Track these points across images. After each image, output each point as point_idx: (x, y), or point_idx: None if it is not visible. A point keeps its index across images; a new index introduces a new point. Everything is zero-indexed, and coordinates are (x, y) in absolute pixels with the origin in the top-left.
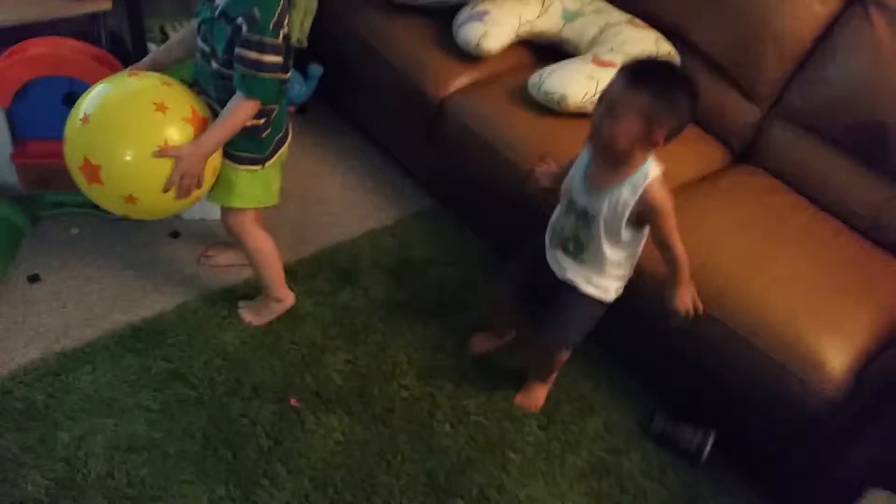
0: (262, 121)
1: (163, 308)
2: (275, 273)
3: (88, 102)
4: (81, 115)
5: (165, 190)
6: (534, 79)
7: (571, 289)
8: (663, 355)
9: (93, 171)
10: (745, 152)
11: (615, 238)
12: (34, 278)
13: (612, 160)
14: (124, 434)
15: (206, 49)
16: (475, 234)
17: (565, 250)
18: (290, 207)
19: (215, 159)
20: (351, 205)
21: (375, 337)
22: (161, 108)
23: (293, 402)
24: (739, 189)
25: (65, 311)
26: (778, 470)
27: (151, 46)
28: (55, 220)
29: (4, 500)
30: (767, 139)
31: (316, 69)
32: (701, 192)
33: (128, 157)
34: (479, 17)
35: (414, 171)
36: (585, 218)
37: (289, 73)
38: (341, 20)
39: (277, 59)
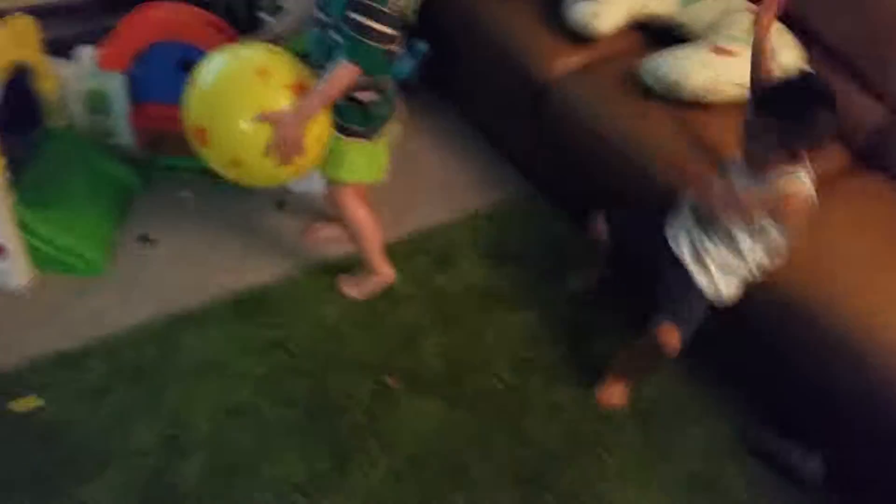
0: (375, 95)
1: (267, 277)
2: (374, 247)
3: (201, 69)
4: (194, 81)
5: (267, 154)
6: (647, 63)
7: (684, 272)
8: (769, 366)
9: (202, 134)
10: (867, 154)
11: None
12: (145, 238)
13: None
14: (228, 398)
15: (324, 19)
16: (574, 222)
17: (698, 221)
18: (389, 186)
19: (320, 129)
20: (449, 186)
21: (471, 323)
22: (263, 74)
23: (392, 381)
24: (858, 193)
25: (176, 274)
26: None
27: (262, 15)
28: (167, 183)
29: (115, 450)
30: (892, 141)
31: (421, 46)
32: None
33: (230, 121)
34: None
35: (514, 154)
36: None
37: (398, 46)
38: None
39: (386, 29)
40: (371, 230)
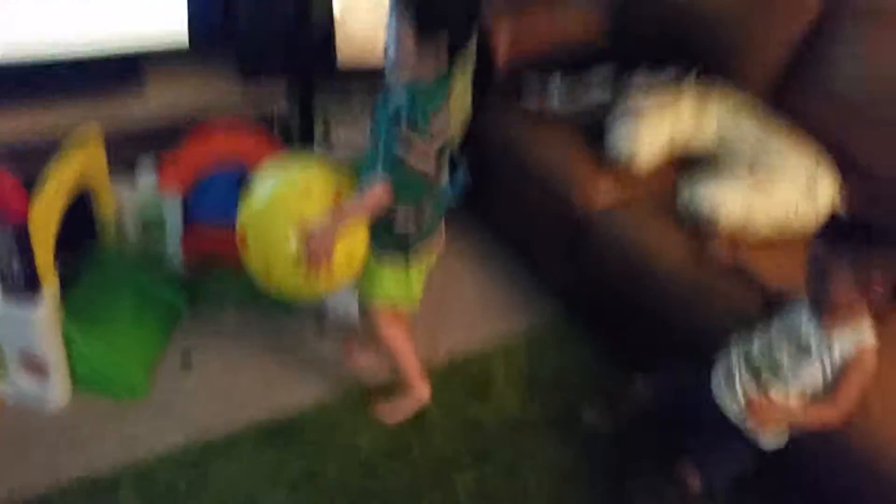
0: (411, 219)
1: (303, 402)
2: (411, 366)
3: (255, 181)
4: (247, 192)
5: (296, 264)
6: (685, 193)
7: (733, 427)
8: None
9: (243, 238)
10: None
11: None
12: (187, 362)
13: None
14: None
15: (374, 139)
16: (612, 351)
17: (754, 374)
18: (425, 308)
19: (352, 245)
20: (486, 310)
21: (505, 456)
22: (306, 189)
23: None
24: None
25: (211, 398)
26: None
27: (316, 148)
28: (211, 305)
29: None
30: None
31: (463, 176)
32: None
33: (266, 226)
34: (631, 129)
35: (550, 281)
36: (800, 350)
37: (438, 178)
38: (491, 128)
39: (424, 149)
40: (407, 351)
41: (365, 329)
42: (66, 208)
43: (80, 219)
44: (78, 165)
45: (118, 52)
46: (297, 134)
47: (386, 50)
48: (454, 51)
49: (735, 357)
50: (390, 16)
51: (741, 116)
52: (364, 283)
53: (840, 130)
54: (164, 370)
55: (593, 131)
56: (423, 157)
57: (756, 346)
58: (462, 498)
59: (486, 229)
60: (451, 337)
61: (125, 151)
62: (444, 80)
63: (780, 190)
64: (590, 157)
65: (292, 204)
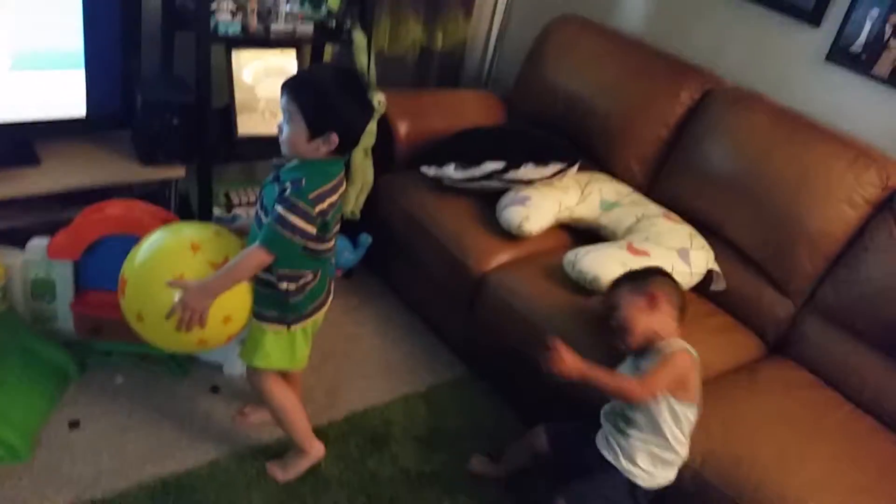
0: (293, 286)
1: (194, 463)
2: (299, 426)
3: (148, 235)
4: (137, 244)
5: (167, 317)
6: (569, 257)
7: (608, 465)
8: None
9: (123, 284)
10: (781, 344)
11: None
12: (74, 423)
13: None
14: None
15: (260, 212)
16: (509, 406)
17: (615, 428)
18: (326, 368)
19: (230, 309)
20: (386, 369)
21: None
22: (195, 247)
23: None
24: (775, 382)
25: (99, 460)
26: None
27: (216, 210)
28: (102, 368)
29: None
30: (802, 333)
31: (365, 238)
32: (737, 384)
33: (145, 278)
34: (522, 201)
35: (450, 339)
36: (625, 417)
37: (323, 246)
38: (394, 196)
39: (305, 225)
40: (293, 411)
41: (252, 389)
42: None
43: None
44: None
45: (15, 124)
46: (197, 209)
47: (280, 129)
48: (346, 144)
49: (603, 412)
50: (283, 99)
51: (621, 196)
52: (246, 347)
53: (711, 210)
54: (52, 432)
55: (489, 200)
56: (302, 229)
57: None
58: None
59: (389, 291)
60: (352, 395)
61: (18, 220)
62: (336, 163)
63: (656, 255)
64: (484, 225)
65: (175, 257)
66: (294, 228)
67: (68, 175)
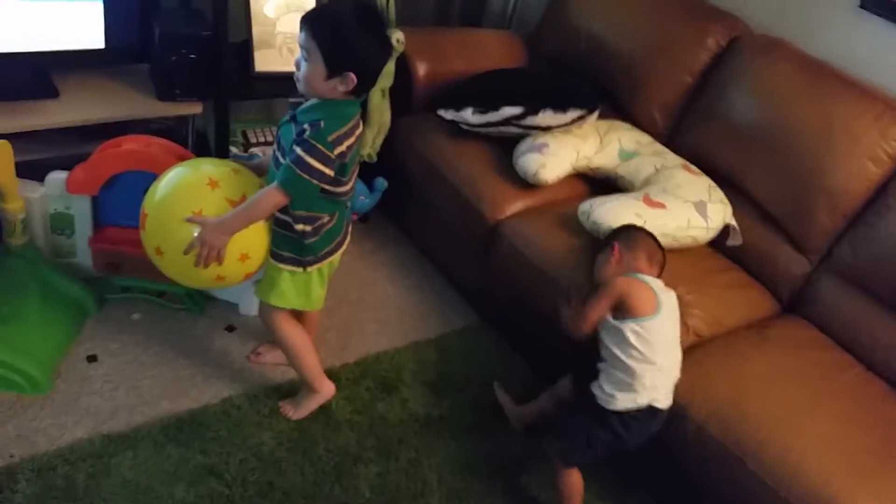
0: (309, 227)
1: (208, 400)
2: (309, 365)
3: (168, 171)
4: (158, 179)
5: (185, 252)
6: (584, 207)
7: (588, 394)
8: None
9: (143, 218)
10: (794, 303)
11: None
12: (92, 358)
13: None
14: None
15: (277, 152)
16: (519, 354)
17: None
18: (341, 311)
19: (246, 246)
20: (399, 314)
21: (409, 452)
22: (213, 184)
23: None
24: (786, 340)
25: (116, 394)
26: None
27: (233, 149)
28: (120, 304)
29: None
30: (816, 292)
31: (381, 182)
32: (748, 340)
33: (165, 213)
34: (539, 148)
35: (463, 286)
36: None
37: (340, 189)
38: (410, 140)
39: (323, 167)
40: (304, 349)
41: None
42: None
43: None
44: None
45: (35, 54)
46: (214, 147)
47: (297, 65)
48: (363, 84)
49: None
50: (301, 35)
51: (640, 146)
52: (262, 284)
53: (732, 162)
54: (70, 366)
55: (507, 146)
56: (321, 171)
57: None
58: (364, 491)
59: (404, 237)
60: (364, 340)
61: (37, 153)
62: (353, 104)
63: (672, 208)
64: (501, 172)
65: (194, 193)
66: (312, 170)
67: (87, 108)
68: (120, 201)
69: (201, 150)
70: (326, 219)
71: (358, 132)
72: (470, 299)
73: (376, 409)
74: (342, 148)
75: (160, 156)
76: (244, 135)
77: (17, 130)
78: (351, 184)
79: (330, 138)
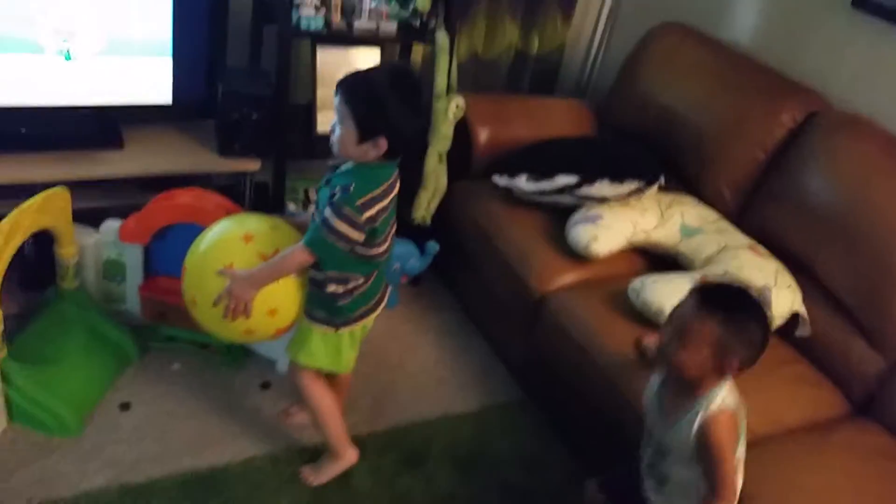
0: (341, 289)
1: (231, 458)
2: (334, 428)
3: (213, 225)
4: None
5: (215, 304)
6: (634, 284)
7: None
8: None
9: (184, 271)
10: (867, 405)
11: (691, 461)
12: (125, 406)
13: (683, 384)
14: None
15: (315, 213)
16: (559, 438)
17: (651, 478)
18: (378, 376)
19: (275, 302)
20: (438, 383)
21: None
22: (248, 238)
23: None
24: (853, 447)
25: (142, 444)
26: None
27: (290, 206)
28: (162, 354)
29: None
30: (892, 394)
31: (433, 246)
32: (809, 444)
33: (199, 265)
34: (593, 219)
35: (509, 360)
36: (661, 451)
37: (374, 251)
38: (465, 204)
39: (350, 231)
40: (329, 413)
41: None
42: (31, 251)
43: (43, 262)
44: (35, 210)
45: (104, 108)
46: (272, 203)
47: (332, 129)
48: (395, 149)
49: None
50: (337, 98)
51: (705, 222)
52: (293, 342)
53: (803, 246)
54: (103, 411)
55: (561, 216)
56: (347, 235)
57: (647, 450)
58: None
59: (455, 303)
60: (398, 408)
61: (97, 200)
62: (386, 168)
63: None
64: (552, 242)
65: (228, 247)
66: (339, 234)
67: (148, 160)
68: (171, 252)
69: (260, 206)
70: (361, 280)
71: (392, 195)
72: (516, 374)
73: (399, 483)
74: (372, 212)
75: (210, 209)
76: (306, 193)
77: (81, 178)
78: (385, 245)
79: (359, 202)
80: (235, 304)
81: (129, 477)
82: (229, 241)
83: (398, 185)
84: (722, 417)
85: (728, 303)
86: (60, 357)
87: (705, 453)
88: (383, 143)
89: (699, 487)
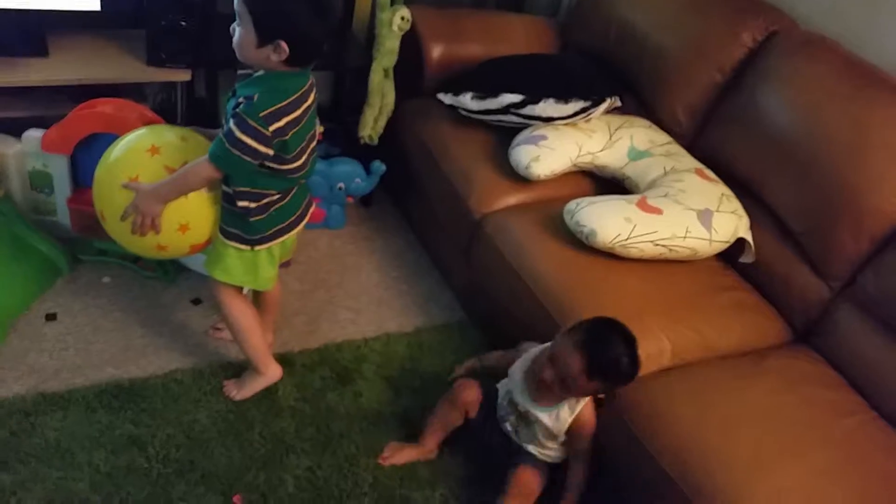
0: (253, 204)
1: (154, 371)
2: (254, 344)
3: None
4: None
5: (122, 219)
6: (570, 206)
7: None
8: None
9: (94, 184)
10: (807, 332)
11: (556, 440)
12: (51, 316)
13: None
14: (63, 489)
15: (223, 125)
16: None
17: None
18: (316, 296)
19: (183, 216)
20: (378, 304)
21: (348, 448)
22: (154, 150)
23: (236, 499)
24: (785, 373)
25: (64, 354)
26: None
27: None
28: (94, 267)
29: None
30: (833, 322)
31: (378, 166)
32: (738, 370)
33: (106, 178)
34: (535, 140)
35: (451, 282)
36: (527, 420)
37: (287, 166)
38: (413, 124)
39: (256, 144)
40: (249, 328)
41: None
42: None
43: None
44: None
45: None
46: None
47: (232, 32)
48: (299, 54)
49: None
50: (237, 4)
51: (654, 145)
52: (209, 258)
53: (754, 171)
54: (28, 320)
55: (504, 135)
56: (253, 148)
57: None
58: (288, 484)
59: (406, 225)
60: (333, 327)
61: (19, 110)
62: (296, 77)
63: (670, 215)
64: (496, 164)
65: (133, 159)
66: (244, 146)
67: (73, 68)
68: (93, 162)
69: (196, 121)
70: (276, 196)
71: (305, 106)
72: (459, 296)
73: (325, 400)
74: (279, 124)
75: (131, 120)
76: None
77: (1, 85)
78: (301, 161)
79: (262, 113)
80: (142, 219)
81: (49, 385)
82: (135, 152)
83: (313, 96)
84: (586, 411)
85: (595, 343)
86: None
87: (580, 439)
88: (284, 47)
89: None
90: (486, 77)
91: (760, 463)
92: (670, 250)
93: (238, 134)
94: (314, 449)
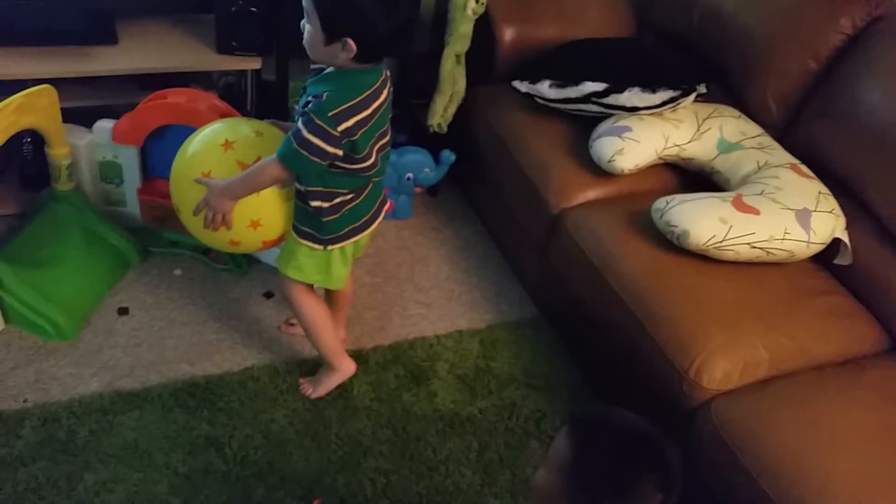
0: (325, 204)
1: (229, 367)
2: (326, 341)
3: (201, 129)
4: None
5: (195, 213)
6: (658, 204)
7: None
8: None
9: (172, 175)
10: None
11: None
12: (124, 311)
13: None
14: (144, 491)
15: (297, 119)
16: (571, 359)
17: None
18: (386, 289)
19: (256, 213)
20: (448, 299)
21: (426, 452)
22: (227, 145)
23: (316, 503)
24: (888, 386)
25: (139, 350)
26: None
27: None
28: (164, 258)
29: None
30: None
31: (448, 156)
32: (838, 381)
33: (181, 172)
34: (619, 132)
35: (525, 277)
36: None
37: (359, 165)
38: (483, 111)
39: (324, 145)
40: (321, 325)
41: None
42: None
43: (42, 163)
44: (18, 110)
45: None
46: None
47: (302, 29)
48: (367, 51)
49: None
50: (305, 1)
51: (745, 137)
52: (282, 255)
53: (853, 169)
54: (102, 315)
55: (583, 124)
56: (321, 148)
57: None
58: (367, 488)
59: (474, 216)
60: (404, 322)
61: (92, 100)
62: (367, 74)
63: (767, 215)
64: (575, 155)
65: (207, 154)
66: (312, 147)
67: (142, 56)
68: (168, 154)
69: (265, 108)
70: (349, 196)
71: (376, 105)
72: (531, 292)
73: (400, 400)
74: (348, 124)
75: (202, 111)
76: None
77: (71, 74)
78: (374, 160)
79: (331, 113)
80: (213, 214)
81: (124, 383)
82: (209, 147)
83: (386, 92)
84: None
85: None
86: (55, 260)
87: None
88: (352, 45)
89: None
90: (565, 64)
91: (870, 489)
92: (767, 253)
93: (305, 134)
94: (391, 453)
